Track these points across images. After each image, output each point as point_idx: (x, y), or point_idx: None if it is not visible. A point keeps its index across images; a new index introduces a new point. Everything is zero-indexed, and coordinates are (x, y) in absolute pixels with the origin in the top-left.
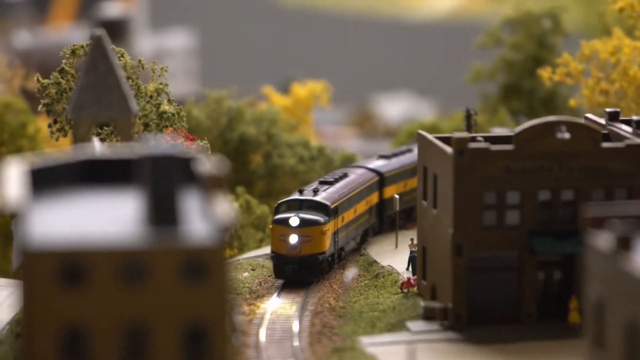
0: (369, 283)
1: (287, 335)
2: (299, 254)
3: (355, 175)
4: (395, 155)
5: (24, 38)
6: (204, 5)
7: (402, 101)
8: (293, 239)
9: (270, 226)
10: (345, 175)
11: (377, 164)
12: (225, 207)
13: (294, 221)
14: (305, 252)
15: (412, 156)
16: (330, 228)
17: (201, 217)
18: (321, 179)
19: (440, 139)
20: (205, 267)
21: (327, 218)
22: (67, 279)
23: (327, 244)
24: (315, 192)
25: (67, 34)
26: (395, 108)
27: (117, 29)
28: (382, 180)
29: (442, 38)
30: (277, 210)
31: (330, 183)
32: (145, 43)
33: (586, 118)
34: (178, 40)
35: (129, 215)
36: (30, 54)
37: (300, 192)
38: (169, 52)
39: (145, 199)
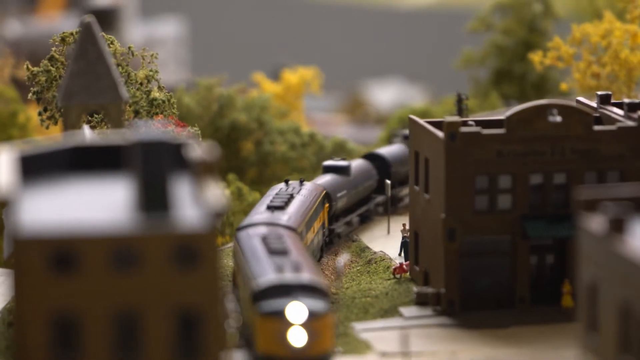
0: (362, 269)
1: None
2: (308, 354)
3: (291, 239)
4: (286, 203)
5: (14, 28)
6: None
7: (393, 88)
8: (298, 335)
9: (257, 319)
10: (283, 238)
11: (284, 218)
12: (217, 192)
13: (299, 312)
14: (315, 352)
15: (302, 200)
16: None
17: (192, 203)
18: (272, 247)
19: (431, 123)
20: (197, 253)
21: (329, 304)
22: (58, 266)
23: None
24: (297, 268)
25: (58, 23)
26: (386, 94)
27: (107, 18)
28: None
29: (433, 24)
30: (258, 297)
31: (285, 252)
32: (136, 32)
33: (578, 101)
34: (168, 29)
35: (120, 201)
36: (21, 44)
37: (280, 269)
38: (159, 40)
39: (136, 185)
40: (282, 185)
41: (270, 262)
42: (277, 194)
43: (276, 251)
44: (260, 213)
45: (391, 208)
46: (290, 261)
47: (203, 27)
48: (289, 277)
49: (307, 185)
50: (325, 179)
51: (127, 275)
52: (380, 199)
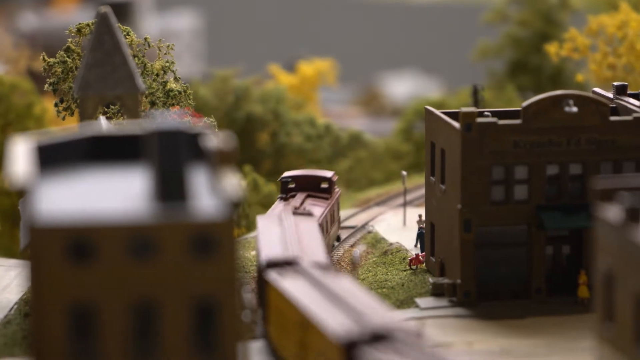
0: (378, 260)
1: None
2: None
3: None
4: None
5: (29, 20)
6: None
7: (409, 80)
8: None
9: None
10: None
11: None
12: (233, 182)
13: None
14: None
15: None
16: None
17: (209, 193)
18: None
19: (447, 114)
20: (214, 242)
21: None
22: (75, 255)
23: None
24: None
25: (73, 16)
26: (402, 87)
27: (122, 11)
28: None
29: (449, 17)
30: None
31: None
32: (152, 24)
33: (594, 92)
34: (184, 21)
35: (137, 191)
36: (36, 36)
37: None
38: (175, 32)
39: (153, 175)
40: None
41: None
42: None
43: None
44: None
45: None
46: None
47: (218, 19)
48: None
49: None
50: None
51: (144, 264)
52: None
